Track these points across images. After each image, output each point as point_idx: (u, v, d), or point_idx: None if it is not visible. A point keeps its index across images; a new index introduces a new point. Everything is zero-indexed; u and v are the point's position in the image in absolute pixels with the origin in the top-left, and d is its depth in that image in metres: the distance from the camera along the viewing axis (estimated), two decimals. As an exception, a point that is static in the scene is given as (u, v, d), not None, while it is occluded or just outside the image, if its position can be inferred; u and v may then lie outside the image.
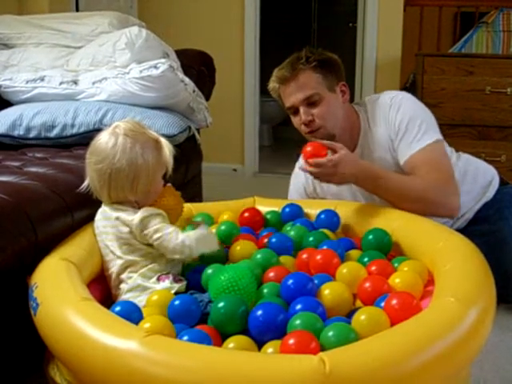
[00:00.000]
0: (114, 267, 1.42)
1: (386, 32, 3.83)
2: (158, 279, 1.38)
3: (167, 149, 1.46)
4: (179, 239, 1.37)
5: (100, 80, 2.32)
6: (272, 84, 1.87)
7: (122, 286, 1.40)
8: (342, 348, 0.99)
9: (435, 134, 1.81)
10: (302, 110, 1.82)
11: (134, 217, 1.38)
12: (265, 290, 1.35)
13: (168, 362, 0.96)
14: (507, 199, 1.98)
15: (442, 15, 3.87)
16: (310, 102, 1.81)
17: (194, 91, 2.43)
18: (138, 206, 1.43)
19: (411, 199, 1.71)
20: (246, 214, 1.81)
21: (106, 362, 1.00)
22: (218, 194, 3.08)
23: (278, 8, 6.09)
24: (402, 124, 1.81)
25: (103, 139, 1.40)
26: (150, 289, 1.36)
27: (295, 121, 1.87)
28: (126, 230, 1.39)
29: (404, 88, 3.75)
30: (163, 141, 1.47)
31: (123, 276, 1.41)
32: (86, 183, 1.44)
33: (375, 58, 3.89)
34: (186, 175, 2.38)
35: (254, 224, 1.79)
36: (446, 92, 3.32)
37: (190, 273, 1.46)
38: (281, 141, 5.69)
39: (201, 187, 2.72)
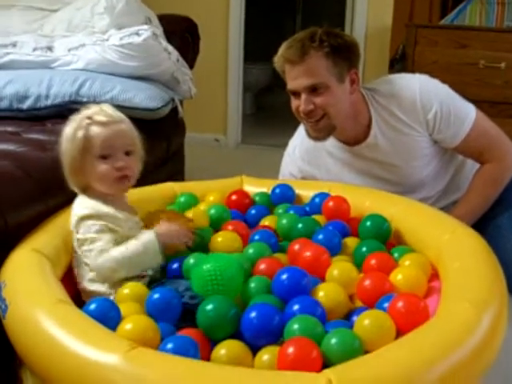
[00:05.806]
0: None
1: (377, 0, 3.70)
2: None
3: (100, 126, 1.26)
4: (99, 261, 1.21)
5: (77, 47, 2.19)
6: (278, 60, 1.74)
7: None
8: (350, 363, 0.89)
9: (469, 106, 1.80)
10: (303, 97, 1.70)
11: (76, 212, 1.26)
12: (252, 285, 1.22)
13: (154, 379, 0.85)
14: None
15: (434, -16, 3.76)
16: (314, 90, 1.69)
17: (177, 60, 2.32)
18: (97, 193, 1.28)
19: (499, 183, 1.82)
20: (234, 197, 1.70)
21: (83, 377, 0.89)
22: (201, 168, 2.98)
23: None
24: (437, 114, 1.74)
25: None
26: (110, 296, 1.21)
27: (294, 103, 1.76)
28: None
29: (393, 60, 3.65)
30: (99, 118, 1.27)
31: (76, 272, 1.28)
32: None
33: (365, 27, 3.77)
34: (168, 151, 2.26)
35: (242, 207, 1.69)
36: (438, 65, 3.20)
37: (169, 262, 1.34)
38: (264, 109, 5.57)
39: (183, 163, 2.59)
